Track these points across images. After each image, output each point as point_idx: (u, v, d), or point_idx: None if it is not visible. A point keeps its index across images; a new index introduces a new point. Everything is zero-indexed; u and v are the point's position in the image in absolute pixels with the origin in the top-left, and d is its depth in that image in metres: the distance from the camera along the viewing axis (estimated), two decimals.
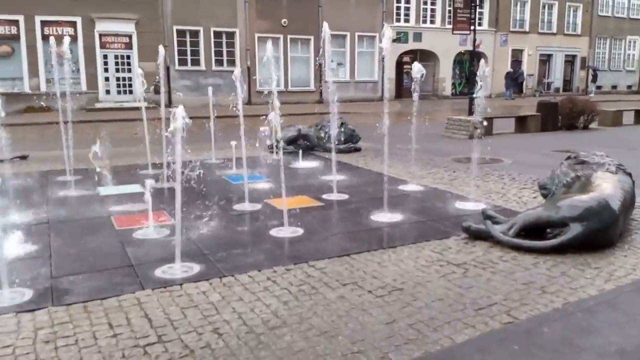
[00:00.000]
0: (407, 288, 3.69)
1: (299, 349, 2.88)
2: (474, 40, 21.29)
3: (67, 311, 3.31)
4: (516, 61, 33.41)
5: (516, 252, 4.38)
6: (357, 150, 10.14)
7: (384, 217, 5.47)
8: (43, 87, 20.78)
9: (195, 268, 4.06)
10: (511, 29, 33.09)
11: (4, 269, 3.57)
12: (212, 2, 23.41)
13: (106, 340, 2.97)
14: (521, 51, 33.99)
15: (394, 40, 28.78)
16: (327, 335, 3.04)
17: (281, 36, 25.58)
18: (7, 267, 3.65)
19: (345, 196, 6.50)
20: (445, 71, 31.65)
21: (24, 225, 5.15)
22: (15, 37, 20.38)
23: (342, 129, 9.95)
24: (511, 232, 4.59)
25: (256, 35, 24.87)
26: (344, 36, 27.07)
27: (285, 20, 25.47)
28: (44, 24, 20.88)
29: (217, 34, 24.15)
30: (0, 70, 20.24)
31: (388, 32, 5.56)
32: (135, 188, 6.31)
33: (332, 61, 27.66)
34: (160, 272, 3.97)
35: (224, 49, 24.48)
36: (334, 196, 6.48)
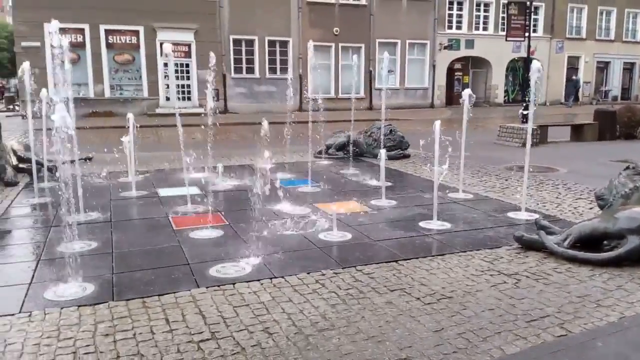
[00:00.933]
0: (456, 296, 3.67)
1: (346, 352, 2.93)
2: (529, 47, 20.75)
3: (126, 306, 3.49)
4: (572, 68, 32.31)
5: (571, 264, 4.27)
6: (406, 156, 10.10)
7: (432, 224, 5.45)
8: (107, 93, 21.83)
9: (247, 268, 4.18)
10: (567, 36, 32.04)
11: (69, 264, 3.80)
12: (267, 12, 23.92)
13: (162, 335, 3.11)
14: (577, 58, 32.84)
15: (445, 47, 28.60)
16: (375, 340, 3.07)
17: (333, 44, 25.83)
18: (72, 262, 3.88)
19: (393, 202, 6.50)
20: (498, 78, 30.95)
21: (88, 223, 5.45)
22: (81, 45, 21.47)
23: (392, 136, 9.95)
24: (566, 243, 4.47)
25: (308, 43, 25.17)
26: (395, 44, 27.00)
27: (337, 29, 25.70)
28: (108, 32, 21.94)
29: (271, 43, 24.65)
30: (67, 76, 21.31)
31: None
32: (192, 190, 6.53)
33: (381, 68, 27.64)
34: (214, 271, 4.11)
35: (278, 57, 24.95)
36: (383, 202, 6.50)
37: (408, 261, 4.35)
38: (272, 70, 24.97)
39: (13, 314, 3.35)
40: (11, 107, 27.43)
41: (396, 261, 4.35)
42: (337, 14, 25.73)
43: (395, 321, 3.29)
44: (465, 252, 4.61)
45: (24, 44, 20.69)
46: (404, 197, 6.80)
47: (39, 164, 7.43)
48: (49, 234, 5.11)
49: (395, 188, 7.38)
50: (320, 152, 9.72)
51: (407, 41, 27.40)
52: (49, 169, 7.57)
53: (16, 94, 28.82)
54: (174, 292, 3.69)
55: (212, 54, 8.29)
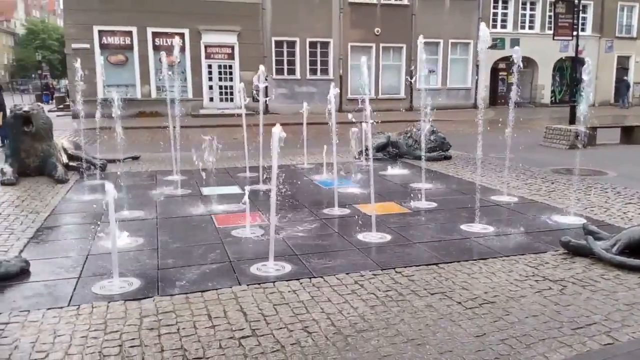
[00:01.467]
0: (499, 302, 3.59)
1: (385, 354, 2.91)
2: (577, 47, 20.09)
3: (170, 301, 3.58)
4: (622, 69, 31.09)
5: (619, 270, 4.11)
6: (448, 158, 9.95)
7: (474, 227, 5.35)
8: (153, 94, 22.45)
9: (287, 267, 4.22)
10: (617, 35, 30.84)
11: (116, 259, 3.93)
12: (309, 14, 24.06)
13: (205, 330, 3.18)
14: (628, 58, 31.54)
15: (489, 47, 27.89)
16: (414, 343, 3.04)
17: (373, 45, 25.76)
18: (119, 257, 4.01)
19: (434, 204, 6.42)
20: (545, 78, 30.10)
21: (135, 220, 5.63)
22: (129, 47, 22.18)
23: (433, 137, 9.83)
24: (614, 249, 4.31)
25: (349, 44, 25.25)
26: (437, 43, 26.67)
27: (378, 29, 25.59)
28: (154, 35, 22.58)
29: (312, 44, 24.80)
30: (115, 77, 22.08)
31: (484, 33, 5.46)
32: (234, 189, 6.64)
33: (430, 71, 27.32)
34: (255, 269, 4.17)
35: (318, 59, 25.07)
36: (423, 204, 6.43)
37: (449, 264, 4.29)
38: (313, 71, 25.11)
39: (62, 307, 3.49)
40: (62, 106, 28.54)
41: (436, 264, 4.30)
42: (379, 14, 25.63)
43: (435, 325, 3.26)
44: (508, 256, 4.50)
45: (74, 45, 21.52)
46: (445, 199, 6.71)
47: (89, 162, 7.72)
48: (97, 230, 5.30)
49: (436, 190, 7.29)
50: (359, 153, 9.70)
51: (450, 41, 27.02)
52: (99, 167, 7.85)
53: (66, 94, 29.97)
54: (216, 289, 3.76)
55: (262, 67, 8.40)
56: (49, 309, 3.45)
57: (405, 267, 4.22)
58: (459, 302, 3.57)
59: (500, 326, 3.24)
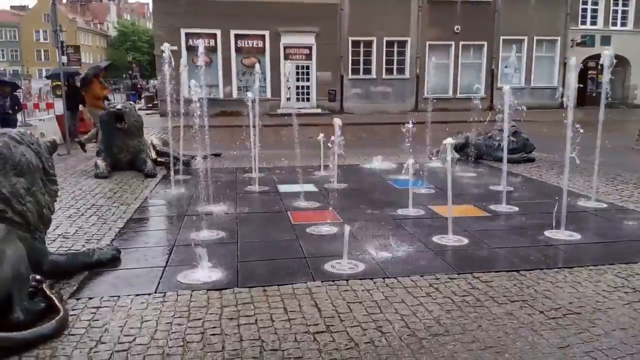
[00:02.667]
0: (584, 313, 3.41)
1: None
2: None
3: (249, 293, 3.70)
4: None
5: None
6: (531, 160, 9.54)
7: (559, 234, 5.09)
8: (234, 94, 23.23)
9: (361, 266, 4.23)
10: None
11: (202, 251, 4.12)
12: (386, 13, 23.85)
13: (281, 323, 3.27)
14: None
15: (578, 44, 26.45)
16: (492, 350, 2.95)
17: (452, 43, 25.12)
18: (202, 249, 4.19)
19: (515, 208, 6.18)
20: (638, 78, 27.98)
21: (217, 215, 5.86)
22: (213, 49, 23.04)
23: (515, 138, 9.45)
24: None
25: (427, 43, 24.80)
26: (521, 40, 25.58)
27: (458, 27, 24.94)
28: (237, 37, 23.34)
29: (389, 43, 24.55)
30: (199, 78, 22.98)
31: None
32: (309, 187, 6.75)
33: (505, 67, 26.33)
34: (329, 266, 4.22)
35: (395, 58, 24.81)
36: (503, 208, 6.21)
37: (531, 272, 4.12)
38: (389, 70, 24.87)
39: (149, 294, 3.71)
40: (150, 105, 30.21)
41: (517, 271, 4.14)
42: (459, 11, 24.95)
43: (515, 333, 3.14)
44: (596, 265, 4.25)
45: (162, 47, 22.70)
46: (528, 204, 6.43)
47: (175, 158, 8.13)
48: (182, 222, 5.58)
49: (518, 193, 7.01)
50: (436, 153, 9.51)
51: (535, 38, 25.81)
52: (184, 163, 8.26)
53: (155, 94, 31.66)
54: (292, 284, 3.85)
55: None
56: (137, 295, 3.68)
57: (483, 272, 4.11)
58: (541, 312, 3.43)
59: (585, 338, 3.08)
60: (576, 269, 4.18)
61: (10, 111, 12.02)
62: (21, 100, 14.91)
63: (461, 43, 25.25)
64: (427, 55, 24.60)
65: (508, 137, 9.21)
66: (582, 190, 6.94)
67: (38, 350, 2.92)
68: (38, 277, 3.48)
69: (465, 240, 4.94)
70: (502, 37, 25.41)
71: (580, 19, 26.32)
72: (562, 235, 5.06)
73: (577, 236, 5.05)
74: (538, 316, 3.37)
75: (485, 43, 25.35)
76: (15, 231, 3.45)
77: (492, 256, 4.60)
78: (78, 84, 13.69)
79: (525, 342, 3.04)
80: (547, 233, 5.15)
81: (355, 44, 24.37)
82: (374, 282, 3.90)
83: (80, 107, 13.63)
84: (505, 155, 6.77)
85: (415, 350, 2.95)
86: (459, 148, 9.77)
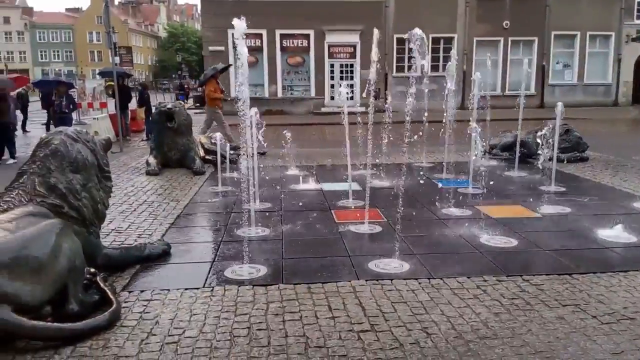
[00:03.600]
0: (639, 318, 3.27)
1: None
2: None
3: (294, 289, 3.74)
4: None
5: None
6: (584, 160, 9.19)
7: (614, 236, 4.88)
8: (279, 93, 23.48)
9: (405, 266, 4.20)
10: None
11: (246, 247, 4.19)
12: (432, 10, 23.47)
13: (326, 320, 3.28)
14: None
15: (633, 40, 25.23)
16: (543, 355, 2.87)
17: (501, 39, 24.53)
18: (248, 246, 4.28)
19: (567, 209, 5.98)
20: None
21: (262, 212, 5.94)
22: (259, 49, 23.35)
23: (567, 136, 9.14)
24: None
25: (475, 39, 24.29)
26: (573, 36, 24.69)
27: (507, 22, 24.30)
28: (282, 37, 23.57)
29: (435, 40, 24.17)
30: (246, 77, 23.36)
31: None
32: (353, 186, 6.74)
33: (557, 63, 25.49)
34: (373, 265, 4.21)
35: (441, 55, 24.40)
36: (554, 209, 6.01)
37: (583, 275, 3.97)
38: (434, 67, 24.48)
39: (198, 288, 3.79)
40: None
41: (569, 274, 4.00)
42: (508, 6, 24.31)
43: (567, 338, 3.05)
44: None
45: (210, 48, 23.16)
46: (580, 205, 6.20)
47: (223, 157, 8.29)
48: (229, 219, 5.69)
49: (570, 194, 6.77)
50: (483, 152, 9.31)
51: (588, 33, 24.84)
52: (231, 161, 8.41)
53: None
54: (336, 282, 3.86)
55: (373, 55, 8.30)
56: (186, 289, 3.77)
57: (533, 275, 3.99)
58: (594, 316, 3.31)
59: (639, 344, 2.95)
60: (632, 273, 4.01)
61: (66, 110, 12.57)
62: (76, 100, 15.55)
63: (510, 39, 24.60)
64: (474, 52, 24.11)
65: (560, 135, 8.95)
66: (638, 192, 6.63)
67: (92, 340, 3.04)
68: (92, 270, 3.63)
69: (515, 242, 4.82)
70: (553, 33, 24.61)
71: (635, 14, 25.19)
72: (617, 237, 4.86)
73: (634, 239, 4.84)
74: (591, 321, 3.25)
75: (536, 39, 24.61)
76: (71, 226, 3.59)
77: (543, 258, 4.46)
78: (129, 84, 14.17)
79: (577, 347, 2.94)
80: (600, 235, 4.96)
81: (400, 41, 24.11)
82: (419, 283, 3.86)
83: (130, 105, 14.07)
84: (555, 154, 6.55)
85: (462, 353, 2.90)
86: (507, 147, 9.53)
